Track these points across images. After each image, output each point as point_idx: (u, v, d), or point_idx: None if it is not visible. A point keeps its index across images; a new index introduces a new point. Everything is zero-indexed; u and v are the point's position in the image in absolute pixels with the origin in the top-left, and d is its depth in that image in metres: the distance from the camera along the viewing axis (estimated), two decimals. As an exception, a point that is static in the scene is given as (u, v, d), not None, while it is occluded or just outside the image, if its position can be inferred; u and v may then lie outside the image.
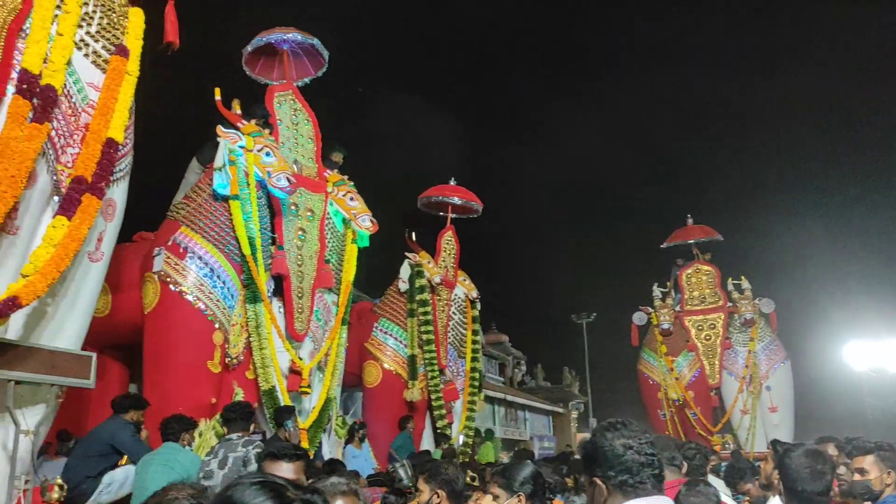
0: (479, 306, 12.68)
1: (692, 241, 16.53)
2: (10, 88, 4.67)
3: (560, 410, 31.76)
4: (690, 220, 16.97)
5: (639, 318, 16.48)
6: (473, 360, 12.41)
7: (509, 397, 25.38)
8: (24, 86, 4.67)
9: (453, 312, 12.01)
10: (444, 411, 11.17)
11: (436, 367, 11.05)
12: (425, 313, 11.02)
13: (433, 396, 11.05)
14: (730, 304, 15.93)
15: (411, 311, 10.99)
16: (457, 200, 12.13)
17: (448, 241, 12.05)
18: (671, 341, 16.03)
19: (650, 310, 16.35)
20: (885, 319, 21.59)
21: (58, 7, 5.02)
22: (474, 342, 12.51)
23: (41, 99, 4.75)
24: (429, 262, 11.32)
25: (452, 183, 12.35)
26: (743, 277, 16.18)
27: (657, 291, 16.51)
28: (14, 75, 4.72)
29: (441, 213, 12.33)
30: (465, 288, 12.34)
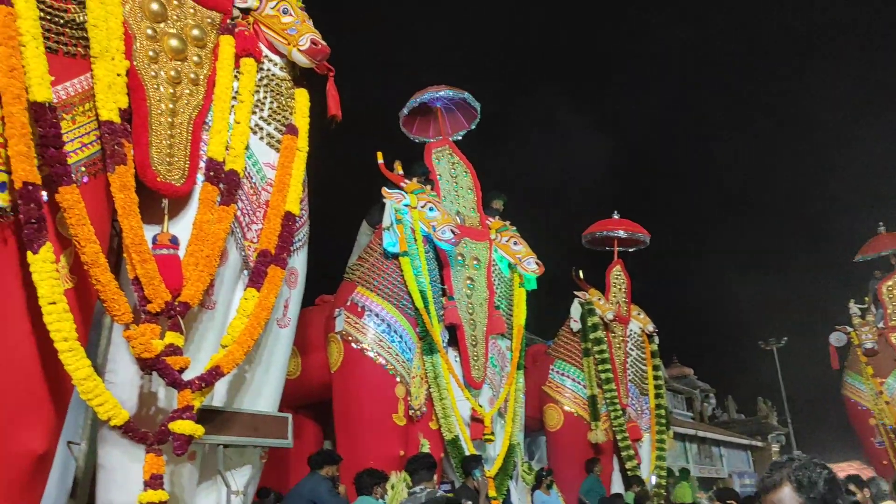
0: (657, 340, 12.28)
1: (889, 252, 15.11)
2: (200, 177, 5.14)
3: (759, 444, 29.67)
4: (883, 229, 15.59)
5: (836, 338, 15.14)
6: (657, 396, 11.97)
7: (701, 433, 24.07)
8: (212, 173, 5.13)
9: (630, 348, 11.69)
10: (631, 452, 10.80)
11: (618, 407, 10.75)
12: (601, 352, 10.80)
13: (619, 437, 10.73)
14: None
15: (586, 351, 10.81)
16: (622, 234, 11.91)
17: (617, 276, 11.81)
18: (877, 361, 14.51)
19: (848, 329, 14.99)
20: None
21: (234, 98, 5.49)
22: (656, 377, 12.09)
23: (226, 183, 5.19)
24: (599, 299, 11.13)
25: (616, 216, 12.15)
26: None
27: (855, 308, 15.14)
28: (202, 164, 5.19)
29: (607, 248, 12.13)
30: (639, 322, 12.00)
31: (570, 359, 10.98)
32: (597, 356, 10.75)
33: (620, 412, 10.79)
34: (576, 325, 10.98)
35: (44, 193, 3.98)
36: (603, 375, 10.71)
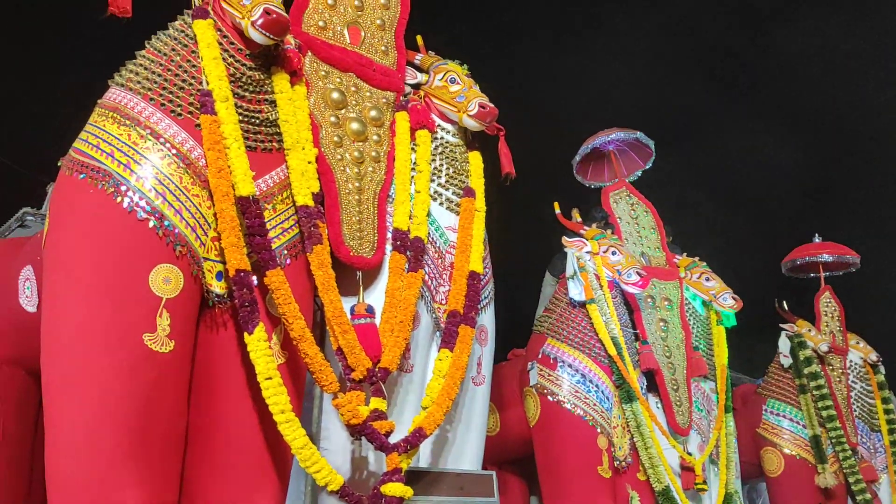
0: (882, 370, 11.09)
1: None
2: (388, 247, 5.42)
3: None
4: None
5: None
6: (891, 432, 10.76)
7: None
8: (398, 242, 5.41)
9: (852, 381, 10.66)
10: (868, 496, 9.74)
11: (846, 446, 9.77)
12: (819, 387, 9.91)
13: (851, 480, 9.72)
14: None
15: (802, 387, 9.96)
16: (827, 258, 11.01)
17: (827, 303, 10.89)
18: None
19: None
20: None
21: (412, 170, 5.78)
22: (887, 412, 10.88)
23: (412, 251, 5.44)
24: (809, 330, 10.28)
25: (817, 240, 11.28)
26: None
27: None
28: (388, 235, 5.48)
29: (812, 275, 11.27)
30: (860, 351, 10.94)
31: (785, 397, 10.16)
32: (814, 392, 9.88)
33: (850, 452, 9.79)
34: (786, 361, 10.18)
35: (254, 278, 4.37)
36: (824, 413, 9.80)
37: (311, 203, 4.87)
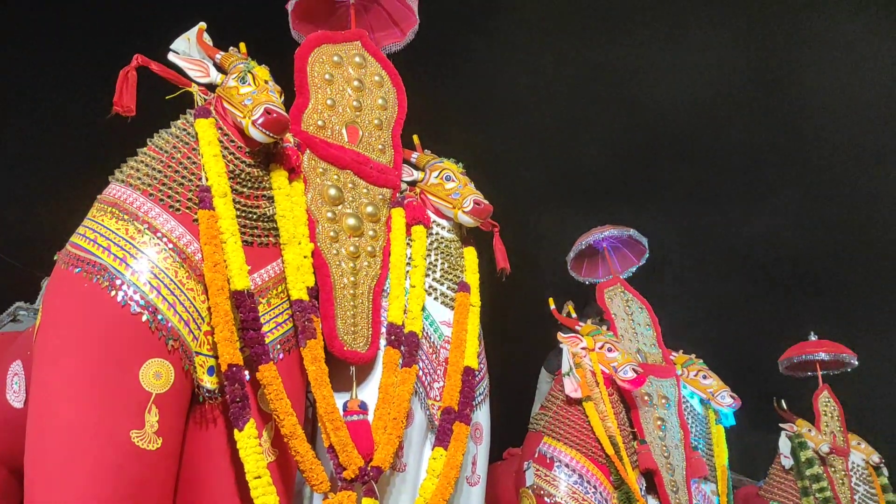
0: (885, 471, 10.84)
1: None
2: (382, 342, 5.39)
3: None
4: None
5: None
6: (901, 536, 10.45)
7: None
8: (392, 337, 5.38)
9: (855, 484, 10.39)
10: None
11: (853, 552, 9.47)
12: (821, 489, 9.67)
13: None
14: None
15: (804, 490, 9.72)
16: (823, 356, 10.95)
17: (826, 402, 10.75)
18: None
19: None
20: None
21: (408, 265, 5.82)
22: (893, 515, 10.59)
23: (407, 346, 5.40)
24: (809, 431, 10.12)
25: (813, 338, 11.25)
26: None
27: None
28: (383, 330, 5.46)
29: (809, 374, 11.17)
30: (861, 453, 10.72)
31: (788, 500, 9.88)
32: (817, 496, 9.63)
33: (856, 557, 9.50)
34: (787, 462, 9.97)
35: (246, 373, 4.32)
36: (827, 516, 9.55)
37: (305, 297, 4.87)
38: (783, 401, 10.41)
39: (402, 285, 5.66)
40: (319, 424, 4.75)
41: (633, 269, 9.98)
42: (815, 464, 9.79)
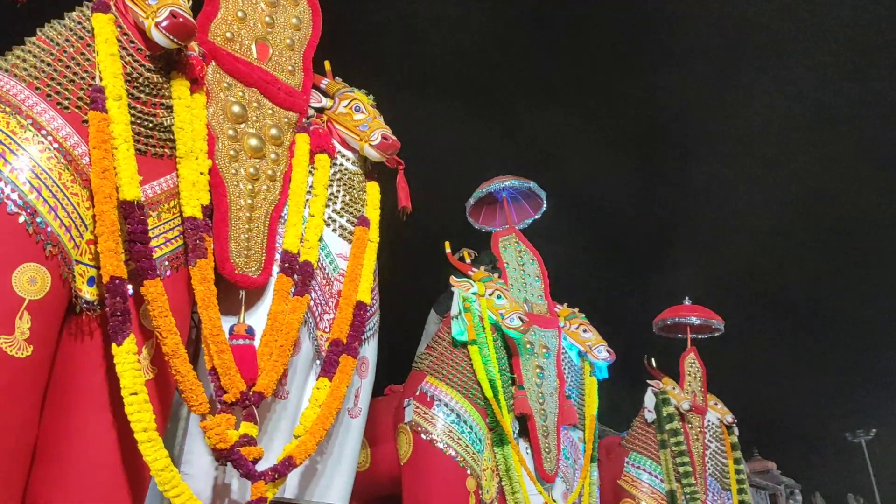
0: (736, 431, 11.73)
1: None
2: (275, 268, 5.29)
3: (852, 545, 27.72)
4: None
5: None
6: (740, 491, 11.36)
7: (788, 532, 22.64)
8: (286, 264, 5.28)
9: (709, 440, 11.20)
10: (714, 551, 10.21)
11: (699, 502, 10.22)
12: (678, 443, 10.37)
13: (701, 535, 10.17)
14: None
15: (663, 443, 10.39)
16: (695, 320, 11.63)
17: (692, 364, 11.46)
18: None
19: None
20: None
21: (308, 193, 5.69)
22: (738, 472, 11.51)
23: (300, 274, 5.32)
24: (674, 388, 10.77)
25: (687, 302, 11.89)
26: None
27: None
28: (277, 256, 5.35)
29: (680, 336, 11.84)
30: (717, 412, 11.54)
31: (646, 451, 10.56)
32: (674, 448, 10.33)
33: (702, 508, 10.27)
34: (650, 416, 10.61)
35: (129, 287, 4.14)
36: (681, 469, 10.24)
37: (199, 215, 4.70)
38: (653, 359, 11.02)
39: (300, 213, 5.55)
40: (203, 346, 4.64)
41: (529, 221, 10.20)
42: (675, 419, 10.45)
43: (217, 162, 5.08)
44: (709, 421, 11.32)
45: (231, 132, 5.28)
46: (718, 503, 10.97)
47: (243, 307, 5.03)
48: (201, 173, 4.80)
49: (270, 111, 5.66)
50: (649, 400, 10.71)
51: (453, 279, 8.29)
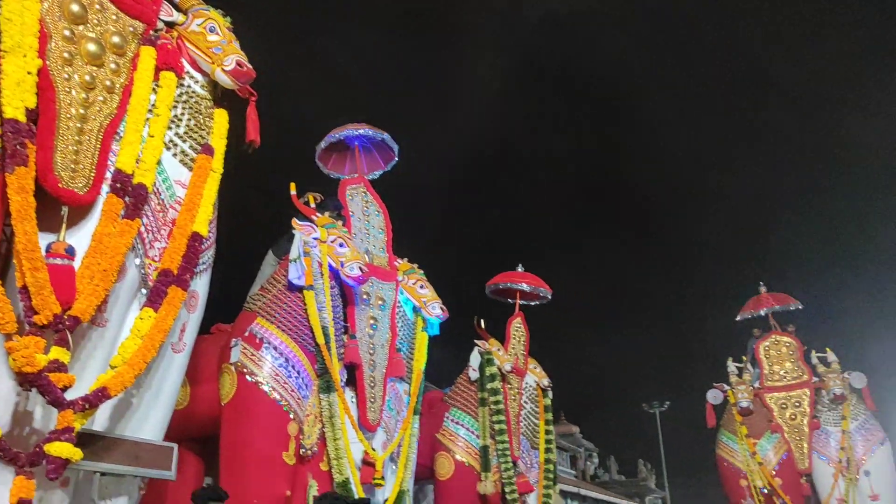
0: (550, 395, 12.39)
1: (764, 311, 15.47)
2: (105, 187, 4.92)
3: (636, 505, 30.42)
4: (763, 289, 16.02)
5: (713, 396, 15.15)
6: (547, 450, 12.06)
7: (583, 491, 24.43)
8: (118, 184, 4.93)
9: (525, 401, 11.77)
10: (518, 505, 10.79)
11: (509, 459, 10.75)
12: (497, 402, 10.82)
13: (507, 489, 10.70)
14: (815, 378, 14.48)
15: (482, 400, 10.81)
16: (525, 287, 12.08)
17: (517, 328, 11.94)
18: (752, 421, 14.61)
19: (725, 387, 15.04)
20: None
21: (149, 111, 5.32)
22: (547, 432, 12.18)
23: (133, 197, 4.99)
24: (499, 350, 11.20)
25: (520, 269, 12.34)
26: (828, 350, 14.76)
27: (732, 367, 15.18)
28: (108, 175, 4.97)
29: (510, 300, 12.28)
30: (535, 376, 12.12)
31: (466, 408, 10.95)
32: (492, 406, 10.77)
33: (511, 465, 10.79)
34: (474, 374, 11.00)
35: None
36: (497, 426, 10.71)
37: (22, 118, 4.27)
38: (482, 320, 11.39)
39: (139, 132, 5.18)
40: (15, 261, 4.25)
41: (379, 173, 10.13)
42: (496, 379, 10.89)
43: (48, 63, 4.63)
44: (527, 383, 11.88)
45: (67, 32, 4.81)
46: (527, 460, 11.58)
47: (65, 225, 4.64)
48: (28, 73, 4.36)
49: (115, 17, 5.21)
50: (474, 359, 11.08)
51: (296, 222, 8.10)
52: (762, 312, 15.59)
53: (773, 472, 14.08)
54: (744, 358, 15.54)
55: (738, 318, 16.03)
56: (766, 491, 13.99)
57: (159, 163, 5.34)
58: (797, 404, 14.49)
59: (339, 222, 8.53)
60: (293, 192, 8.37)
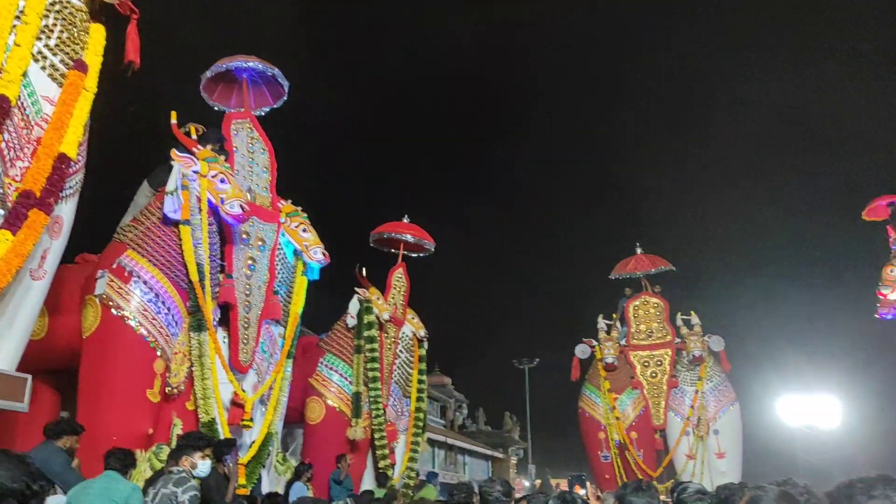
0: (426, 346, 12.57)
1: (641, 273, 15.93)
2: (-39, 96, 4.52)
3: (500, 456, 31.62)
4: (639, 250, 16.38)
5: (581, 350, 15.59)
6: (418, 400, 12.28)
7: (450, 440, 25.17)
8: (-24, 94, 4.53)
9: (400, 351, 11.89)
10: (386, 451, 10.97)
11: (380, 406, 10.88)
12: (372, 350, 10.89)
13: (377, 436, 10.86)
14: (678, 339, 15.13)
15: (358, 348, 10.84)
16: (409, 238, 12.11)
17: (399, 279, 12.00)
18: (615, 377, 15.20)
19: (594, 342, 15.53)
20: (818, 373, 21.78)
21: (17, 17, 4.90)
22: (420, 382, 12.38)
23: (-7, 109, 4.61)
24: (378, 298, 11.23)
25: (406, 220, 12.35)
26: (693, 312, 15.42)
27: (602, 324, 15.65)
28: (-34, 83, 4.57)
29: (393, 251, 12.29)
30: (413, 326, 12.24)
31: (341, 354, 10.96)
32: (367, 354, 10.84)
33: (381, 412, 10.93)
34: (351, 321, 10.99)
35: None
36: (370, 374, 10.80)
37: None
38: (364, 268, 11.36)
39: (3, 38, 4.77)
40: None
41: (267, 109, 9.79)
42: (373, 327, 10.94)
43: None
44: (404, 333, 11.99)
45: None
46: (398, 408, 11.77)
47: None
48: None
49: None
50: (353, 306, 11.07)
51: (175, 153, 7.73)
52: (638, 274, 15.99)
53: (630, 426, 14.76)
54: (614, 315, 15.98)
55: (612, 277, 16.31)
56: (620, 443, 14.64)
57: (25, 75, 4.94)
58: (659, 363, 15.12)
59: (222, 157, 8.21)
60: (174, 121, 7.97)
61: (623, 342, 15.57)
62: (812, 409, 20.50)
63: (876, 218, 13.40)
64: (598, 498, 5.27)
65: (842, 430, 20.74)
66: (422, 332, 12.26)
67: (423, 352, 12.48)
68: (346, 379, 10.79)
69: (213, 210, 7.85)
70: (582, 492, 3.51)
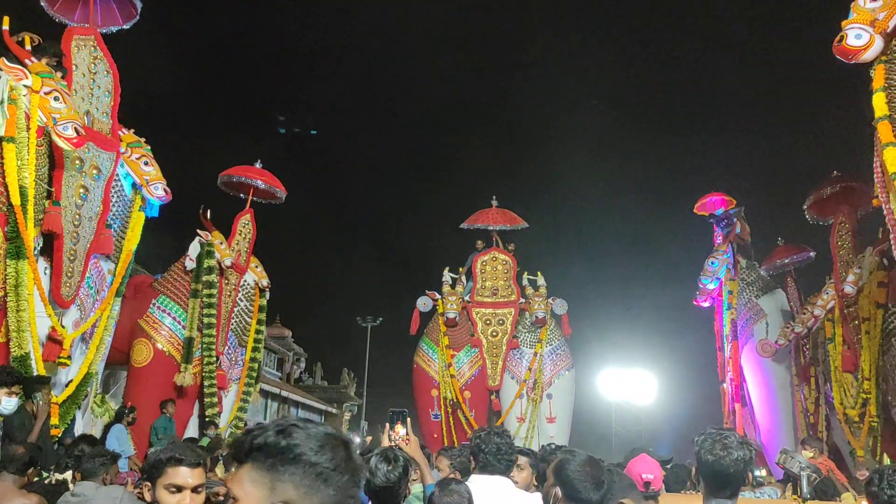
0: (268, 296, 12.28)
1: (493, 227, 15.52)
2: None
3: (333, 411, 31.71)
4: (496, 203, 15.90)
5: (423, 303, 15.04)
6: (254, 350, 12.03)
7: (284, 393, 24.93)
8: None
9: (240, 299, 11.55)
10: (215, 399, 10.67)
11: (213, 353, 10.56)
12: (210, 295, 10.52)
13: (206, 383, 10.54)
14: (522, 300, 14.89)
15: (195, 292, 10.42)
16: (260, 184, 11.73)
17: (245, 225, 11.61)
18: (455, 333, 14.82)
19: (437, 295, 15.04)
20: (637, 349, 23.28)
21: None
22: (258, 332, 12.12)
23: None
24: (221, 243, 10.82)
25: (258, 165, 11.94)
26: (539, 273, 15.17)
27: (448, 276, 15.16)
28: None
29: (242, 195, 11.86)
30: (256, 275, 11.91)
31: (176, 297, 10.49)
32: (205, 299, 10.45)
33: (214, 359, 10.60)
34: (190, 264, 10.52)
35: None
36: (206, 320, 10.44)
37: None
38: (210, 211, 10.89)
39: None
40: None
41: (115, 29, 9.08)
42: (213, 272, 10.55)
43: None
44: (245, 281, 11.64)
45: None
46: (233, 357, 11.46)
47: None
48: None
49: None
50: (194, 249, 10.61)
51: (4, 62, 7.03)
52: (490, 227, 15.58)
53: (465, 385, 14.50)
54: (461, 269, 15.51)
55: (463, 227, 15.78)
56: (453, 402, 14.40)
57: None
58: (501, 322, 14.88)
59: (58, 74, 7.55)
60: (5, 27, 7.24)
61: (467, 298, 15.14)
62: (630, 385, 21.96)
63: (704, 213, 14.52)
64: (450, 466, 5.35)
65: (654, 405, 22.45)
66: (264, 282, 11.95)
67: (264, 302, 12.20)
68: (179, 323, 10.36)
69: (44, 130, 7.23)
70: (402, 431, 3.50)
